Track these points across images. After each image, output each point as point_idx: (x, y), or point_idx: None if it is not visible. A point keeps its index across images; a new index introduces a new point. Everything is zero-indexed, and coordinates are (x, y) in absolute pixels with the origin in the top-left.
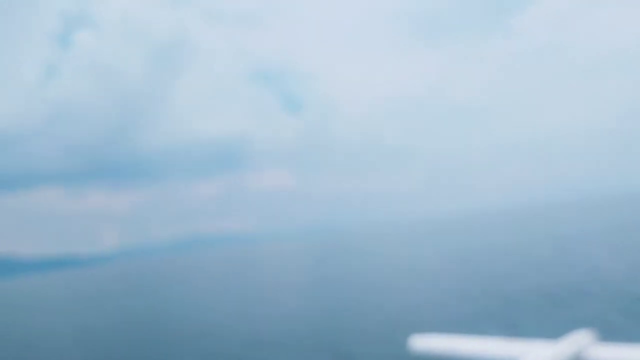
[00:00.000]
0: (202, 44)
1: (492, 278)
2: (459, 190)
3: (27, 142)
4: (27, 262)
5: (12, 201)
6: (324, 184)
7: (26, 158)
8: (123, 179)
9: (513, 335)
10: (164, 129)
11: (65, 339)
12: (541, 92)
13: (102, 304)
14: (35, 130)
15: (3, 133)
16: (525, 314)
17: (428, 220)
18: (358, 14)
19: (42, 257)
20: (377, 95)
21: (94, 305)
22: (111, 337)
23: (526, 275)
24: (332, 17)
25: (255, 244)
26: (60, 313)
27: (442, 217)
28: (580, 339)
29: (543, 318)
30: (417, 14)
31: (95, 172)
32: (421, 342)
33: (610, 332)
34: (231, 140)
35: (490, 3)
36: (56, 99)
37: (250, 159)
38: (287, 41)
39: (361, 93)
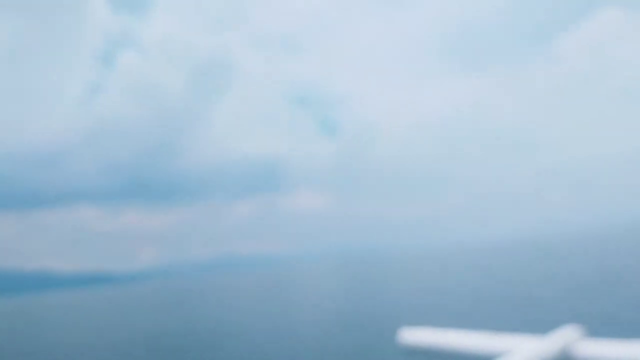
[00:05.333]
0: (241, 67)
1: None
2: (498, 216)
3: (66, 160)
4: (63, 278)
5: (49, 218)
6: (359, 207)
7: (65, 175)
8: (160, 198)
9: (501, 330)
10: (202, 149)
11: (95, 355)
12: (582, 118)
13: (134, 321)
14: (75, 149)
15: (43, 151)
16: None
17: (459, 247)
18: (394, 39)
19: (77, 272)
20: (413, 120)
21: (126, 322)
22: (142, 355)
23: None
24: (368, 42)
25: (289, 265)
26: (93, 328)
27: (476, 244)
28: (567, 334)
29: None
30: (452, 40)
31: (133, 191)
32: (410, 335)
33: (598, 328)
34: (268, 162)
35: (527, 28)
36: (96, 118)
37: (286, 180)
38: (324, 65)
39: (397, 117)
